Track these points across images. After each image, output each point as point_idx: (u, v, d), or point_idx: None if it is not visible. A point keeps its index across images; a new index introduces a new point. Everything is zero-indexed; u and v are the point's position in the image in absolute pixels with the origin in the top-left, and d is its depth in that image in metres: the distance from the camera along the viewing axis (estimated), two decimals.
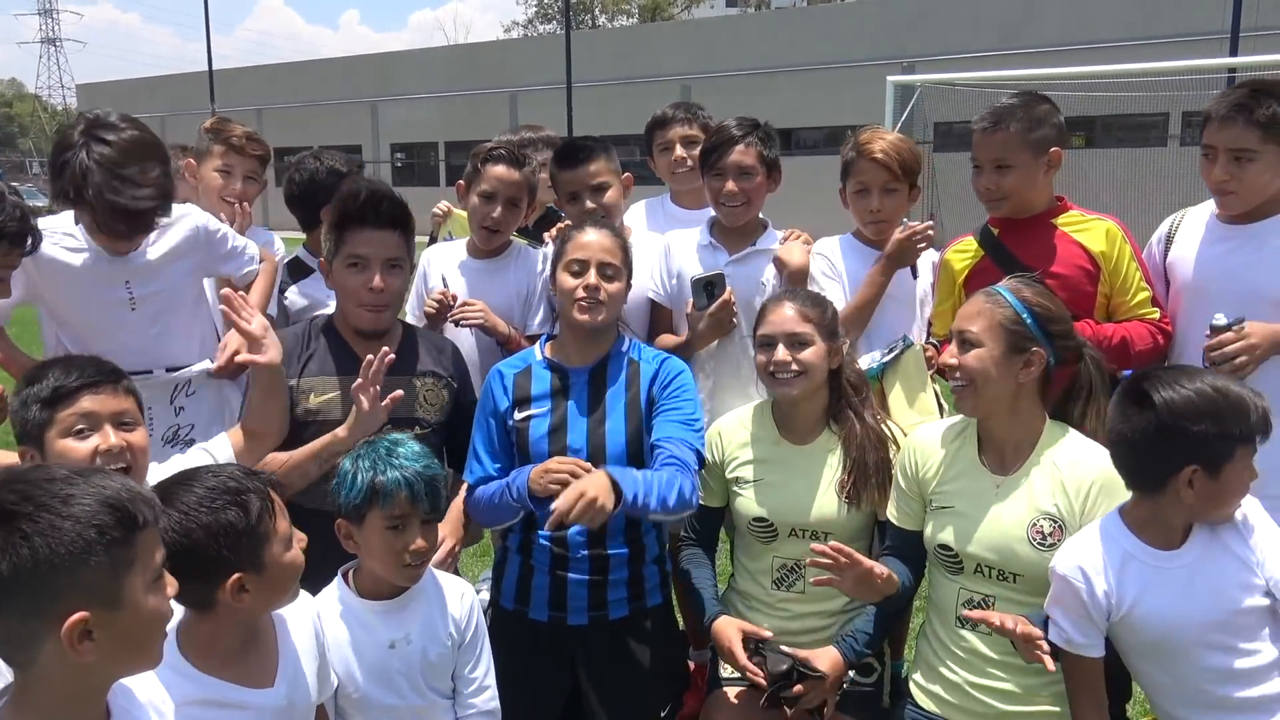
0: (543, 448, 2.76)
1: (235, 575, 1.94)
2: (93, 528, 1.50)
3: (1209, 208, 3.14)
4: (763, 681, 2.67)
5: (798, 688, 2.64)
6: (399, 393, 2.70)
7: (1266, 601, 2.27)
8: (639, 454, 2.78)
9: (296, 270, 3.66)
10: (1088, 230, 3.14)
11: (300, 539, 2.10)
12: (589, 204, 3.38)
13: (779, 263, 3.27)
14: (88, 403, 2.23)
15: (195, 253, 3.13)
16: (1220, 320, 2.81)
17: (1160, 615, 2.30)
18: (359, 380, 2.65)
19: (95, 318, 3.02)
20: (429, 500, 2.38)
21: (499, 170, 3.35)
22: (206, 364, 3.15)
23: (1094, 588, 2.32)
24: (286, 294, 3.60)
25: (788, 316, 2.82)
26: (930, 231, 3.20)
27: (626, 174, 3.58)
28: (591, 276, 2.76)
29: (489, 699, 2.57)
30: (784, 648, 2.71)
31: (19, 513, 1.47)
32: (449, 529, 2.83)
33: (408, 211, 2.92)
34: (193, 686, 1.97)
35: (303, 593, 2.27)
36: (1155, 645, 2.33)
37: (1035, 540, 2.51)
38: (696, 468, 2.75)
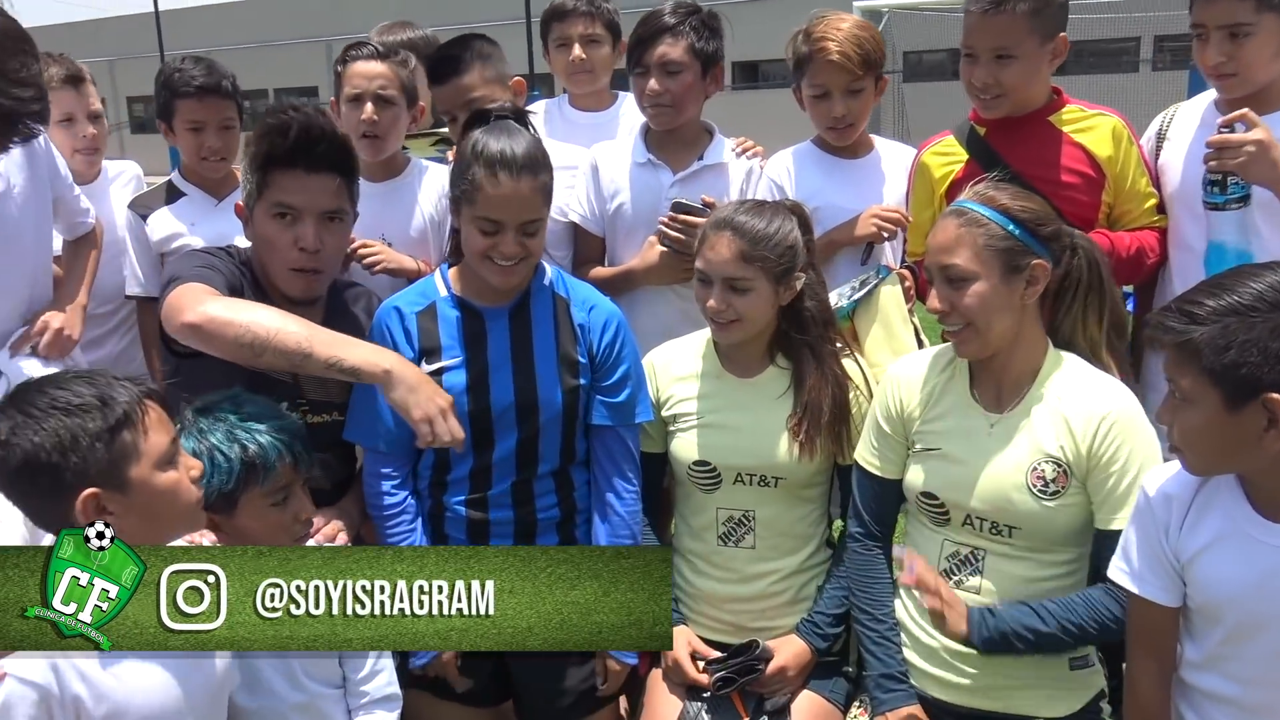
0: (461, 404, 2.28)
1: (88, 491, 1.63)
2: None
3: (1204, 101, 2.75)
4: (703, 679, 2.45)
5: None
6: None
7: None
8: (574, 406, 2.40)
9: (171, 193, 3.21)
10: (1091, 130, 2.73)
11: (193, 465, 1.80)
12: None
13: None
14: None
15: (37, 162, 2.65)
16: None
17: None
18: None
19: None
20: (307, 456, 2.09)
21: (358, 67, 2.88)
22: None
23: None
24: (149, 219, 3.15)
25: (725, 257, 2.34)
26: (902, 223, 2.84)
27: (515, 78, 3.13)
28: (509, 244, 2.26)
29: (385, 683, 2.17)
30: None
31: None
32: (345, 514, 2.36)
33: (351, 151, 2.40)
34: None
35: None
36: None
37: (1036, 488, 2.16)
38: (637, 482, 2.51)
